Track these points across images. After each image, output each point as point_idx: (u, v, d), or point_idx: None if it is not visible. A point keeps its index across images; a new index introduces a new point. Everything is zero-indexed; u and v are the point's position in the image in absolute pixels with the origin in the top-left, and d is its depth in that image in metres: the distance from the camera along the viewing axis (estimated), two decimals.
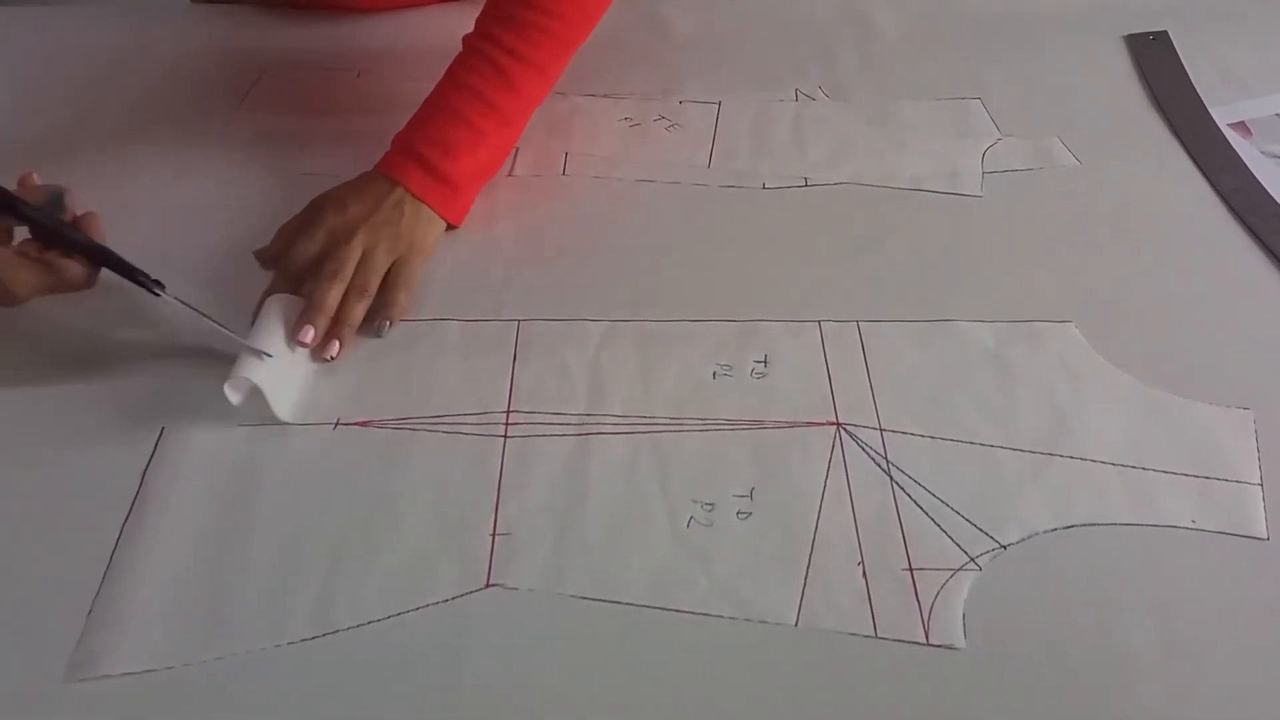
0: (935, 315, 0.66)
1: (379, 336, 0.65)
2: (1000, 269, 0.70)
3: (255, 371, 0.59)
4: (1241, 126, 0.84)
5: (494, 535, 0.54)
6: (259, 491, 0.56)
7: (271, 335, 0.62)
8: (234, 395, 0.59)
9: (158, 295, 0.61)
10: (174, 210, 0.74)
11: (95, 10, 0.95)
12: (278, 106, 0.85)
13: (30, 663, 0.49)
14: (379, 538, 0.54)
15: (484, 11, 0.75)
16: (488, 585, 0.52)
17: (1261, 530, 0.55)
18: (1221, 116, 0.84)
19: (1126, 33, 0.95)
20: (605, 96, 0.83)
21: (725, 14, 0.95)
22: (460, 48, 0.75)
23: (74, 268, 0.60)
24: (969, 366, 0.63)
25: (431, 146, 0.71)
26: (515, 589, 0.52)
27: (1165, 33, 0.94)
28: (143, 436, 0.59)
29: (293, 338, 0.62)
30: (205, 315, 0.61)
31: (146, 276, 0.61)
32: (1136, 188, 0.78)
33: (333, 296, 0.64)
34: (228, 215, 0.73)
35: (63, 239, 0.60)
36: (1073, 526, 0.55)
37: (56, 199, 0.61)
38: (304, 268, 0.67)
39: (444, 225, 0.72)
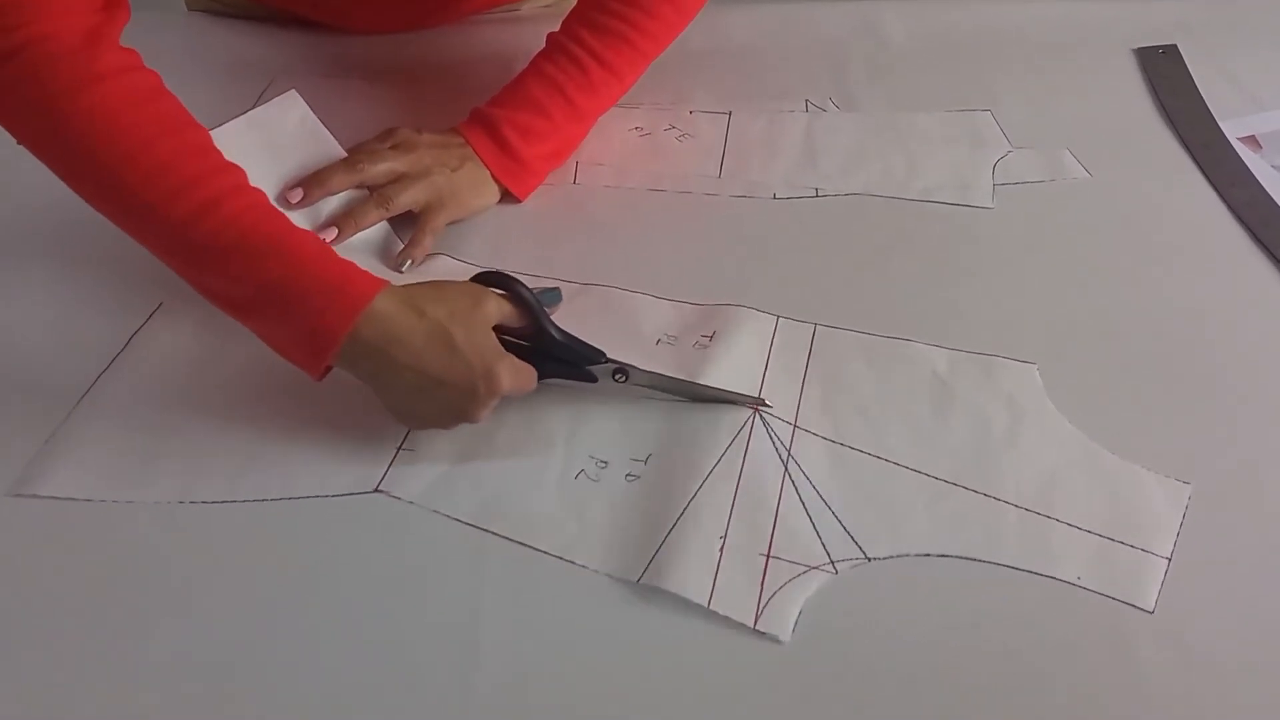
0: (924, 329, 0.66)
1: (399, 272, 0.69)
2: (1009, 281, 0.70)
3: None
4: (1251, 140, 0.82)
5: (399, 449, 0.59)
6: (222, 370, 0.63)
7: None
8: None
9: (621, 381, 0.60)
10: None
11: None
12: None
13: None
14: (302, 430, 0.60)
15: (571, 14, 0.79)
16: (376, 490, 0.57)
17: (1149, 602, 0.53)
18: (1231, 130, 0.83)
19: (1136, 46, 0.93)
20: (616, 106, 0.82)
21: (736, 25, 0.95)
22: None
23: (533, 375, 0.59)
24: (911, 387, 0.63)
25: (510, 127, 0.75)
26: (399, 499, 0.57)
27: (1175, 46, 0.92)
28: (141, 306, 0.66)
29: (284, 192, 0.68)
30: (668, 375, 0.61)
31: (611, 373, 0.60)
32: (1147, 201, 0.77)
33: (337, 180, 0.69)
34: None
35: (542, 334, 0.59)
36: (948, 556, 0.54)
37: (553, 295, 0.65)
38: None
39: (495, 198, 0.76)
